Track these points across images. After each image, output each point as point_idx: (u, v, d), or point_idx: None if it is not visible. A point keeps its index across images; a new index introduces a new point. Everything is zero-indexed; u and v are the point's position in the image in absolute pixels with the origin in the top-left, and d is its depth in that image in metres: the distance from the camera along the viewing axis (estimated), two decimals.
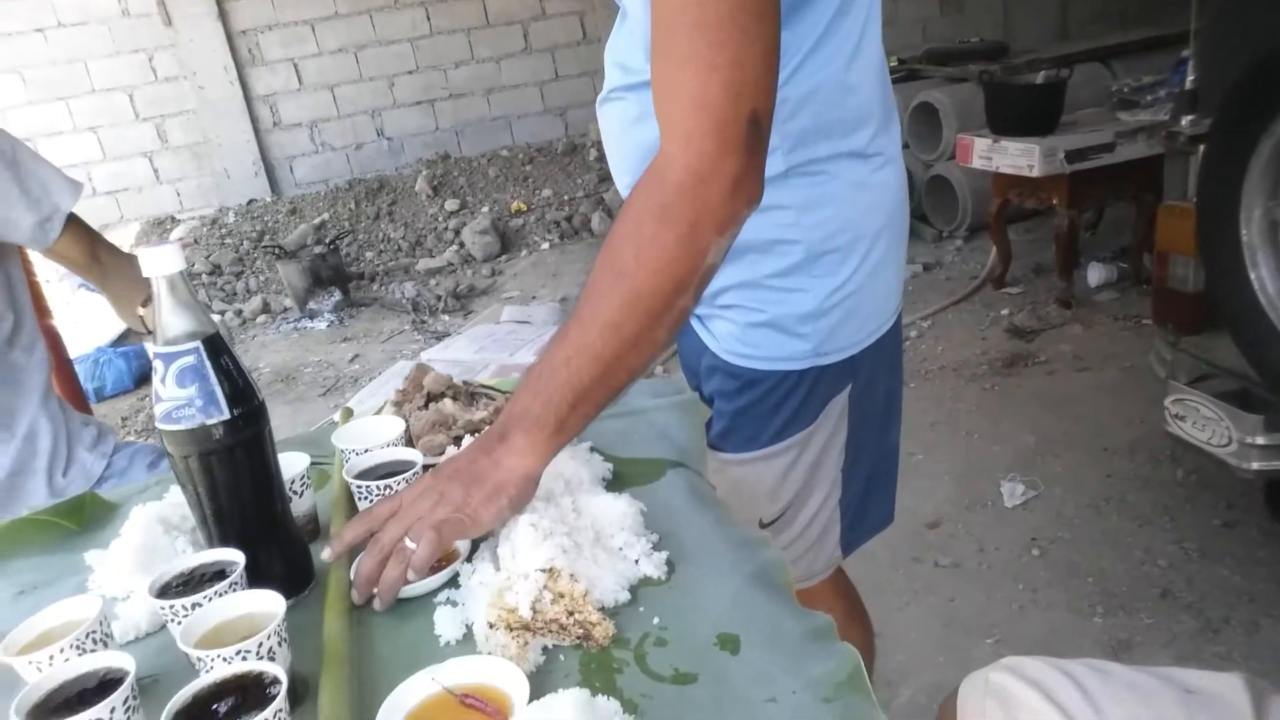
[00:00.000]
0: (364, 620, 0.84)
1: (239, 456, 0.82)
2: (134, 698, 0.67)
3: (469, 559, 0.88)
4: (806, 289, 1.08)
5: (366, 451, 1.04)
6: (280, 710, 0.64)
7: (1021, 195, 3.90)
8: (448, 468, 0.89)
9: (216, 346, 0.81)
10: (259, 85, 6.45)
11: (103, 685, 0.68)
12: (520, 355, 3.55)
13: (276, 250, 5.53)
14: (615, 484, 1.01)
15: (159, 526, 0.94)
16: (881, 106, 1.09)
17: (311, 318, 5.17)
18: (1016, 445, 2.90)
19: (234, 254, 5.80)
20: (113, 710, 0.65)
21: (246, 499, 0.84)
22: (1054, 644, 2.07)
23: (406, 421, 1.13)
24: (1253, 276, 1.91)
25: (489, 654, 0.75)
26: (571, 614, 0.77)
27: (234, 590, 0.78)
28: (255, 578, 0.81)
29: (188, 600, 0.76)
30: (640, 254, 0.83)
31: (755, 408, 1.16)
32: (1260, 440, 1.97)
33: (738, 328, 1.13)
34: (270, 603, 0.75)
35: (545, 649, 0.77)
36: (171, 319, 0.80)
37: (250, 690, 0.66)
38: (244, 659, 0.69)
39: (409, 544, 0.84)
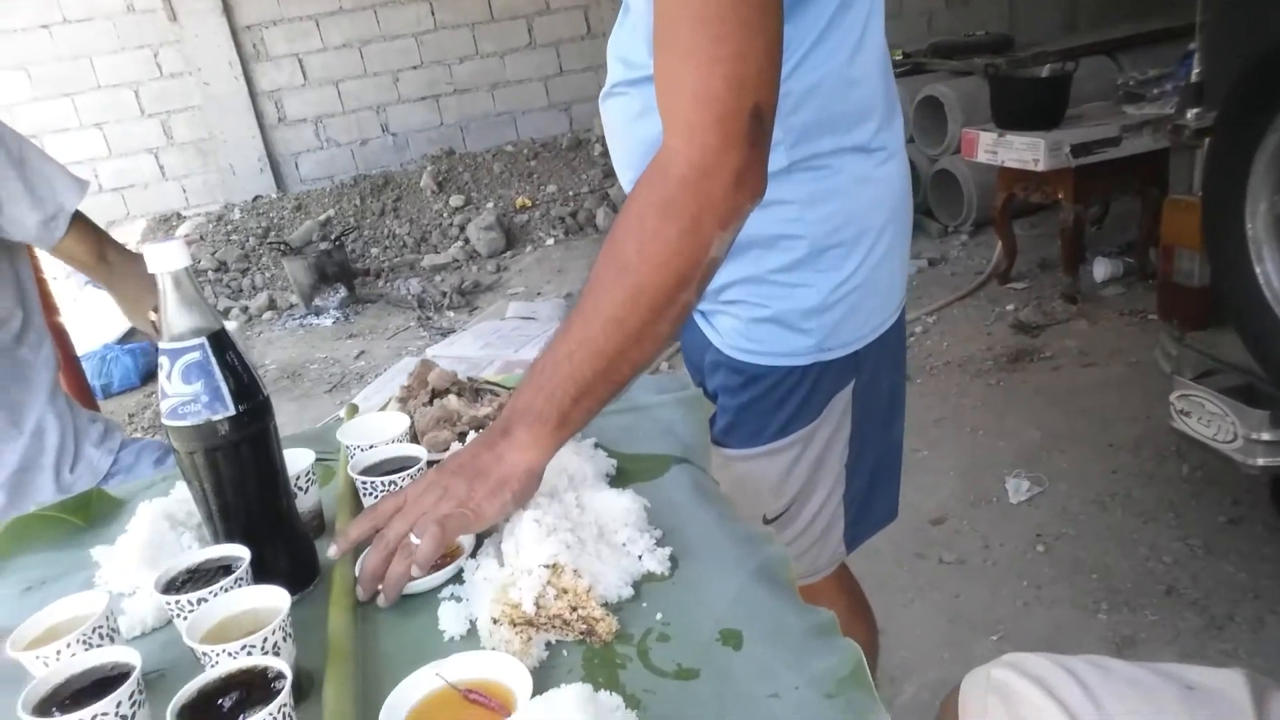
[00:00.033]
0: (368, 616, 0.84)
1: (244, 452, 0.83)
2: (140, 692, 0.68)
3: (473, 555, 0.88)
4: (810, 284, 1.08)
5: (371, 448, 1.05)
6: (285, 705, 0.64)
7: (1027, 190, 3.89)
8: (451, 463, 0.89)
9: (222, 342, 0.82)
10: (264, 81, 6.45)
11: (108, 680, 0.68)
12: (525, 351, 3.55)
13: (282, 247, 5.54)
14: (619, 480, 1.01)
15: (165, 522, 0.94)
16: (884, 100, 1.09)
17: (317, 314, 5.18)
18: (1022, 441, 2.90)
19: (240, 250, 5.81)
20: (118, 705, 0.65)
21: (251, 495, 0.85)
22: (1058, 640, 2.07)
23: (411, 417, 1.14)
24: (1258, 271, 1.90)
25: (493, 649, 0.75)
26: (575, 609, 0.78)
27: (239, 586, 0.78)
28: (260, 573, 0.81)
29: (193, 596, 0.76)
30: (643, 248, 0.83)
31: (759, 403, 1.16)
32: (1266, 436, 1.96)
33: (741, 323, 1.13)
34: (275, 598, 0.75)
35: (549, 644, 0.77)
36: (177, 315, 0.81)
37: (255, 685, 0.66)
38: (249, 654, 0.69)
39: (414, 540, 0.84)
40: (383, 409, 1.22)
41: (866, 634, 1.45)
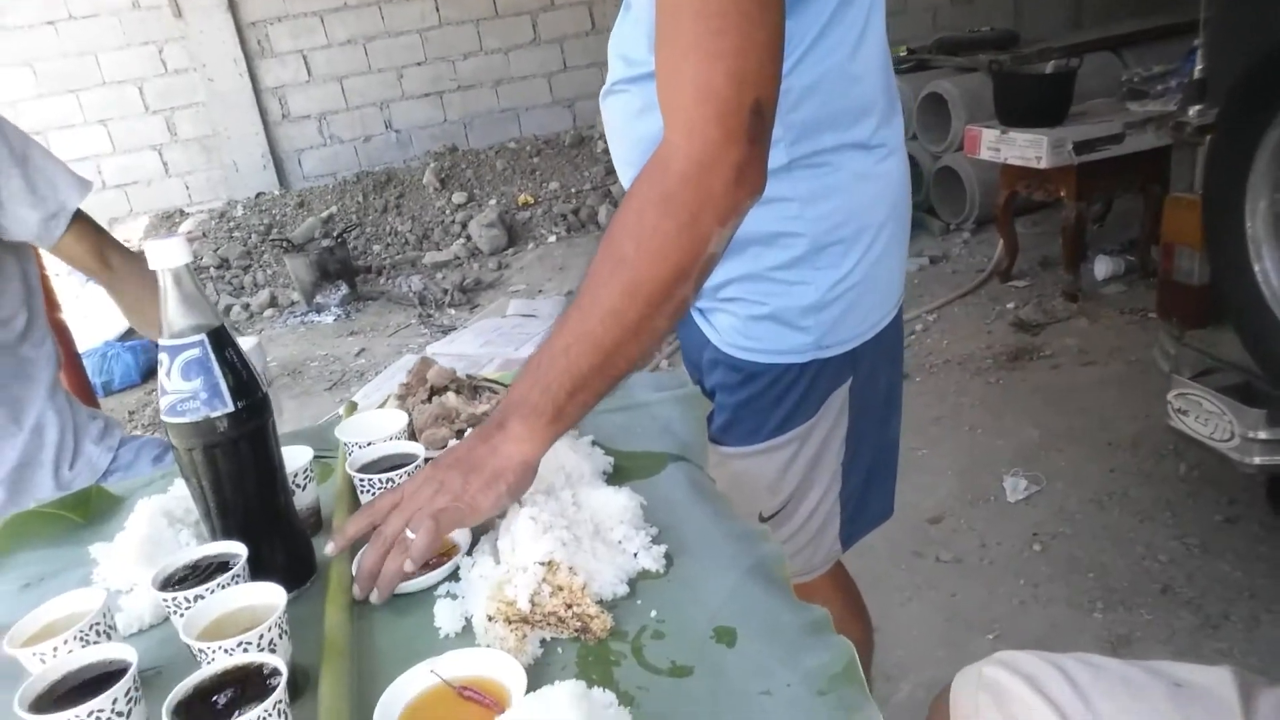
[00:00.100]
0: (364, 613, 0.85)
1: (243, 449, 0.83)
2: (135, 689, 0.68)
3: (469, 552, 0.88)
4: (809, 281, 1.09)
5: (370, 445, 1.05)
6: (280, 702, 0.64)
7: (1029, 187, 3.88)
8: (447, 457, 0.90)
9: (221, 339, 0.82)
10: (268, 77, 6.46)
11: (105, 677, 0.69)
12: (525, 349, 3.56)
13: (284, 244, 5.55)
14: (616, 477, 1.02)
15: (163, 519, 0.95)
16: (885, 97, 1.09)
17: (318, 311, 5.19)
18: (1020, 440, 2.90)
19: (242, 247, 5.82)
20: (114, 701, 0.66)
21: (250, 492, 0.85)
22: (1054, 639, 2.07)
23: (410, 415, 1.14)
24: (1257, 269, 1.90)
25: (488, 646, 0.75)
26: (570, 607, 0.78)
27: (236, 583, 0.79)
28: (257, 570, 0.82)
29: (190, 592, 0.77)
30: (642, 242, 0.83)
31: (757, 401, 1.16)
32: (1263, 435, 1.96)
33: (740, 320, 1.13)
34: (272, 595, 0.76)
35: (543, 641, 0.78)
36: (177, 312, 0.81)
37: (251, 681, 0.67)
38: (245, 650, 0.69)
39: (409, 535, 0.84)
40: (381, 406, 1.22)
41: (862, 632, 1.46)
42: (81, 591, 0.80)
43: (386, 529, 0.87)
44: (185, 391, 0.81)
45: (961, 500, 2.65)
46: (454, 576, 0.86)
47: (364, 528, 0.89)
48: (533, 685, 0.67)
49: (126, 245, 1.56)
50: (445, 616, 0.81)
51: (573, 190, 6.21)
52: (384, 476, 0.97)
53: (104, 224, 1.54)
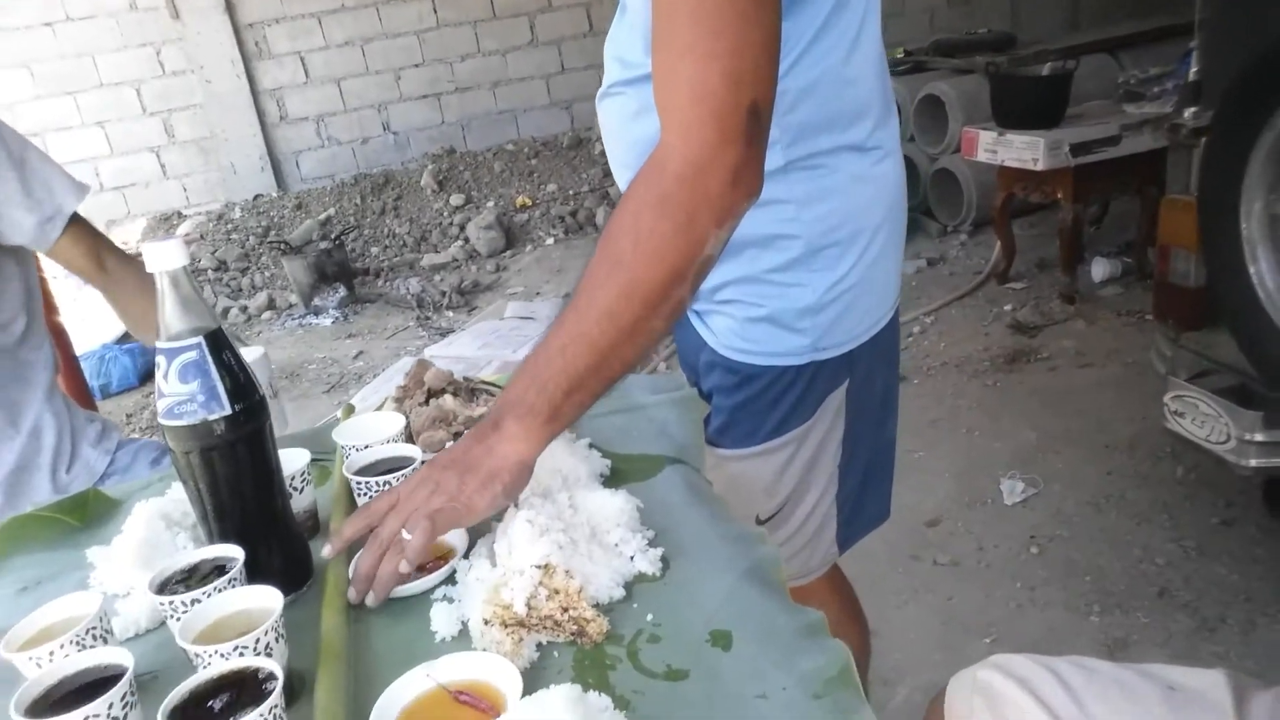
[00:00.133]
0: (361, 617, 0.85)
1: (240, 452, 0.83)
2: (132, 694, 0.68)
3: (466, 556, 0.88)
4: (805, 283, 1.09)
5: (367, 448, 1.05)
6: (275, 706, 0.65)
7: (1026, 189, 3.89)
8: (443, 458, 0.90)
9: (219, 342, 0.82)
10: (266, 79, 6.46)
11: (101, 682, 0.69)
12: (523, 352, 3.55)
13: (282, 246, 5.55)
14: (613, 480, 1.02)
15: (160, 522, 0.95)
16: (880, 99, 1.09)
17: (316, 314, 5.19)
18: (1017, 442, 2.90)
19: (240, 250, 5.82)
20: (110, 706, 0.66)
21: (247, 494, 0.85)
22: (1051, 643, 2.08)
23: (407, 417, 1.14)
24: (1252, 271, 1.90)
25: (484, 650, 0.75)
26: (566, 610, 0.78)
27: (233, 586, 0.79)
28: (254, 573, 0.82)
29: (187, 596, 0.77)
30: (638, 244, 0.83)
31: (753, 403, 1.17)
32: (1259, 437, 1.96)
33: (736, 323, 1.14)
34: (268, 599, 0.76)
35: (539, 645, 0.78)
36: (174, 315, 0.81)
37: (247, 686, 0.67)
38: (241, 655, 0.69)
39: (405, 536, 0.84)
40: (379, 409, 1.22)
41: (858, 636, 1.46)
42: (78, 595, 0.80)
43: (383, 531, 0.87)
44: (183, 394, 0.81)
45: (959, 503, 2.65)
46: (450, 580, 0.87)
47: (361, 530, 0.89)
48: (528, 689, 0.67)
49: (123, 248, 1.56)
50: (441, 620, 0.81)
51: (570, 192, 6.22)
52: (381, 479, 0.97)
53: (102, 226, 1.54)
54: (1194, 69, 2.32)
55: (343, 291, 5.25)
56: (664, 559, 0.87)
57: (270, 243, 5.76)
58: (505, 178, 6.42)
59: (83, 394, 2.18)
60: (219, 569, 0.81)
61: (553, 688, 0.66)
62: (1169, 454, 2.66)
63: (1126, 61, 4.78)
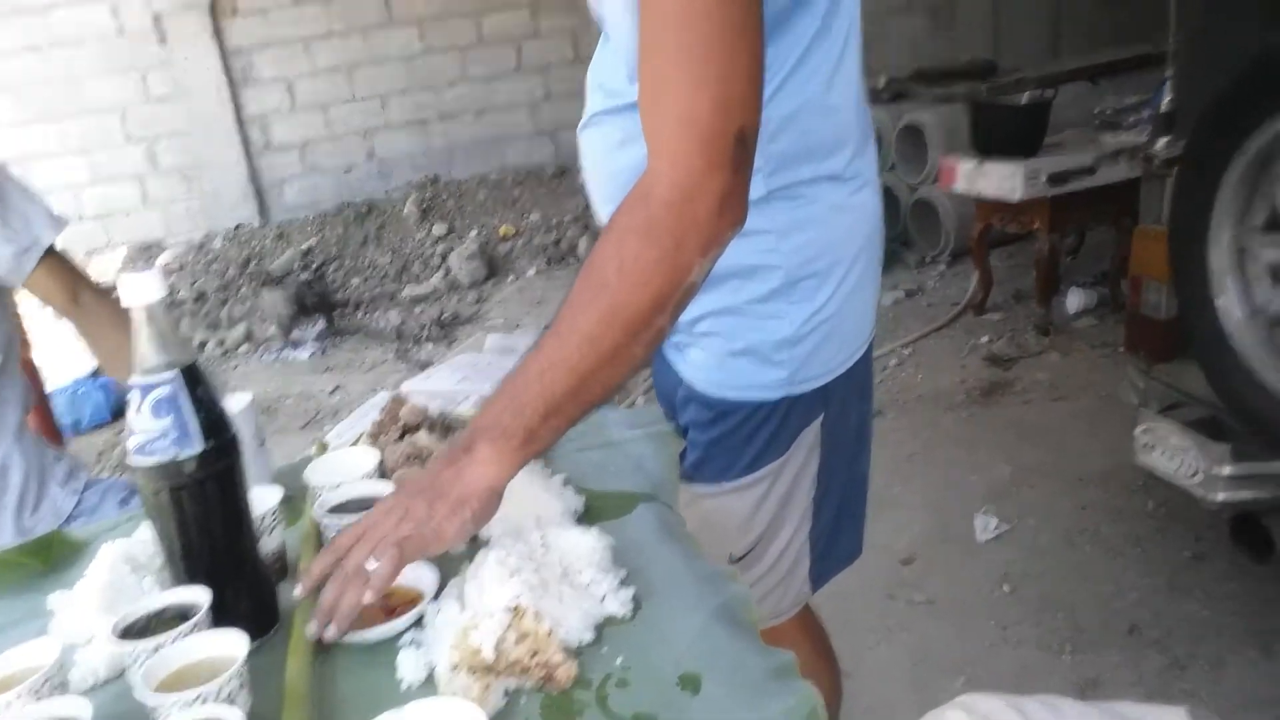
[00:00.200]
0: (326, 662, 0.84)
1: (210, 491, 0.83)
2: None
3: (435, 598, 0.88)
4: (784, 315, 1.09)
5: (339, 486, 1.05)
6: None
7: (1004, 220, 3.91)
8: (411, 484, 0.89)
9: (194, 376, 0.82)
10: (251, 105, 6.44)
11: None
12: None
13: (262, 277, 5.52)
14: (586, 517, 1.01)
15: (126, 565, 0.94)
16: (859, 128, 1.10)
17: (295, 347, 5.13)
18: (992, 476, 2.91)
19: (219, 280, 5.78)
20: None
21: (216, 535, 0.84)
22: (1024, 682, 2.07)
23: (382, 454, 1.14)
24: (1219, 303, 1.92)
25: (451, 696, 0.75)
26: (535, 654, 0.78)
27: (197, 631, 0.78)
28: (220, 617, 0.81)
29: (150, 643, 0.76)
30: (624, 270, 0.84)
31: (729, 438, 1.16)
32: (1226, 471, 1.96)
33: (715, 357, 1.14)
34: (233, 645, 0.75)
35: (507, 691, 0.77)
36: (149, 348, 0.81)
37: None
38: (203, 703, 0.69)
39: (370, 565, 0.82)
40: (353, 445, 1.22)
41: (830, 677, 1.45)
42: (36, 643, 0.78)
43: (348, 562, 0.85)
44: (154, 431, 0.80)
45: (934, 539, 2.65)
46: (418, 624, 0.86)
47: (329, 565, 0.87)
48: None
49: (102, 279, 1.55)
50: (408, 666, 0.80)
51: (554, 222, 6.23)
52: (353, 519, 0.96)
53: (81, 256, 1.54)
54: (1167, 99, 2.36)
55: (322, 324, 5.21)
56: (635, 599, 0.86)
57: (250, 274, 5.73)
58: (489, 207, 6.42)
59: (52, 431, 2.16)
60: (183, 615, 0.80)
61: None
62: (1141, 487, 2.67)
63: (1106, 89, 4.79)
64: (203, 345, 5.27)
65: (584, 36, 6.80)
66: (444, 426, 1.22)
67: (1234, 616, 2.17)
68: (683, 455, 1.21)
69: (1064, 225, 3.85)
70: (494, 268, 5.91)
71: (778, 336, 1.10)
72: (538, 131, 6.97)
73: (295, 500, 1.14)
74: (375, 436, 1.22)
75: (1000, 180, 3.66)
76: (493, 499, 0.87)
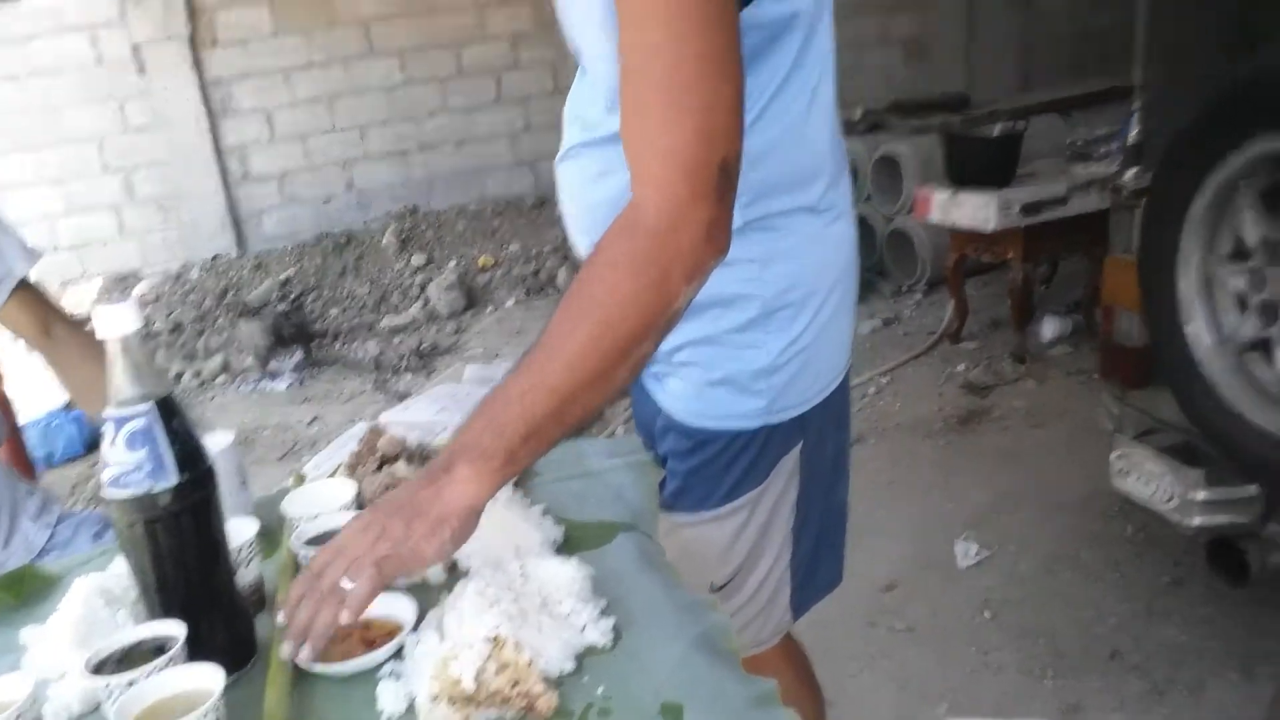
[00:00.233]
0: (306, 692, 0.83)
1: (185, 523, 0.82)
2: None
3: (414, 629, 0.87)
4: (761, 345, 1.10)
5: (317, 517, 1.04)
6: None
7: (978, 249, 3.96)
8: (387, 503, 0.88)
9: (169, 408, 0.82)
10: (230, 136, 6.42)
11: None
12: None
13: (239, 308, 5.49)
14: (566, 547, 1.01)
15: (100, 599, 0.92)
16: (833, 159, 1.11)
17: (272, 378, 5.09)
18: (971, 503, 2.92)
19: (196, 311, 5.74)
20: None
21: (191, 568, 0.84)
22: (1006, 708, 2.07)
23: (359, 485, 1.14)
24: (1188, 330, 1.95)
25: None
26: (515, 685, 0.77)
27: (172, 666, 0.77)
28: (197, 651, 0.80)
29: (124, 677, 0.75)
30: (610, 296, 0.85)
31: (708, 467, 1.17)
32: (1201, 495, 1.99)
33: (693, 386, 1.14)
34: (209, 679, 0.75)
35: None
36: (124, 380, 0.80)
37: None
38: None
39: (345, 584, 0.81)
40: (331, 477, 1.22)
41: (813, 706, 1.44)
42: (8, 678, 0.77)
43: (323, 582, 0.83)
44: (128, 464, 0.80)
45: (915, 566, 2.65)
46: (398, 655, 0.85)
47: (307, 588, 0.86)
48: None
49: (73, 315, 1.54)
50: (388, 697, 0.80)
51: (533, 252, 6.24)
52: None
53: (56, 287, 1.53)
54: (1135, 132, 2.41)
55: (300, 354, 5.17)
56: (615, 629, 0.86)
57: (228, 304, 5.70)
58: (468, 237, 6.43)
59: (24, 464, 2.12)
60: (158, 649, 0.79)
61: None
62: (1119, 513, 2.68)
63: (1077, 121, 4.87)
64: (179, 376, 5.22)
65: (563, 68, 6.84)
66: (422, 457, 1.22)
67: (1213, 640, 2.18)
68: (662, 484, 1.21)
69: (1037, 255, 3.90)
70: (473, 298, 5.91)
71: (755, 366, 1.10)
72: (517, 162, 7.00)
73: (272, 532, 1.13)
74: (353, 468, 1.22)
75: (974, 210, 3.71)
76: (471, 519, 0.87)
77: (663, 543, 1.09)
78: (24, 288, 1.43)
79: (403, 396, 4.53)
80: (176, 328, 5.63)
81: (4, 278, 1.41)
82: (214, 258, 6.38)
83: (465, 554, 0.98)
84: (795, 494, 1.21)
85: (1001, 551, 2.65)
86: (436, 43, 6.65)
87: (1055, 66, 7.07)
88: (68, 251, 6.27)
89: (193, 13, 6.15)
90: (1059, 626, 2.31)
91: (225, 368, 5.31)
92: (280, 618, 0.86)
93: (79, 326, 1.50)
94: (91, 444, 4.34)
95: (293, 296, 5.71)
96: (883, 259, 5.08)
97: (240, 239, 6.55)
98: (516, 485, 1.11)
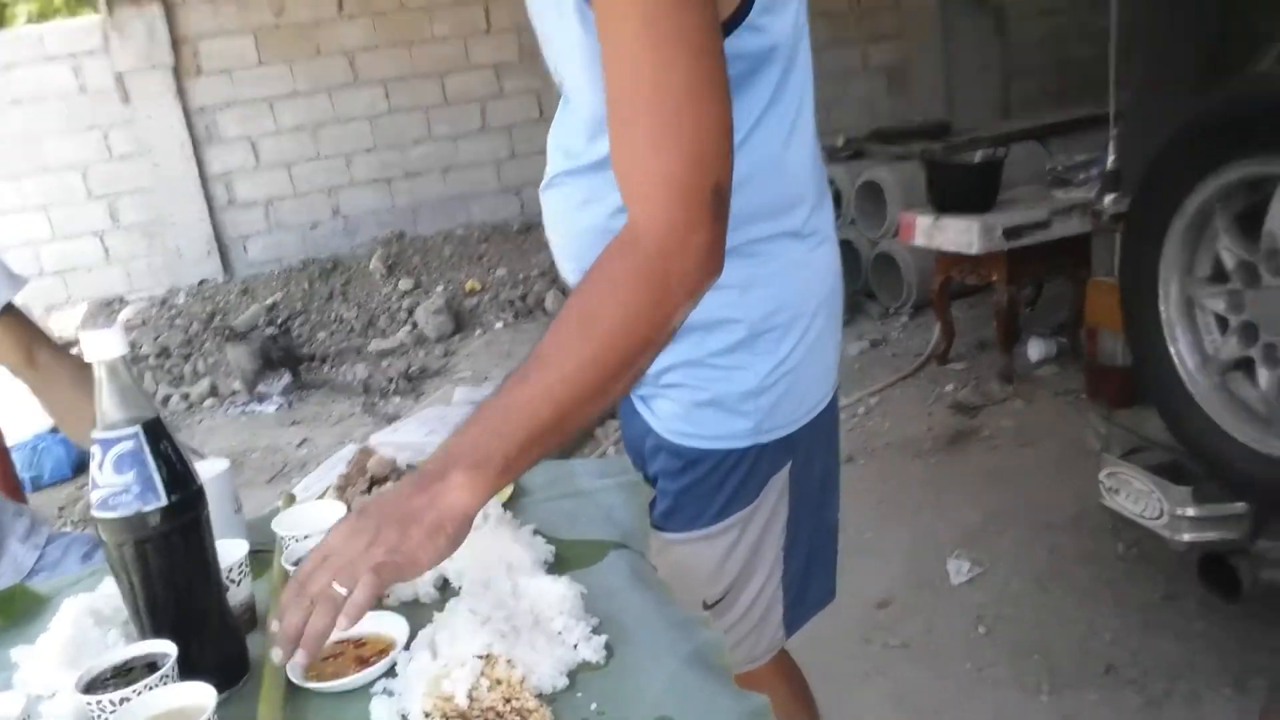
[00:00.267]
0: (299, 708, 0.83)
1: (175, 544, 0.82)
2: None
3: (406, 647, 0.87)
4: (747, 366, 1.11)
5: (307, 537, 1.04)
6: None
7: (963, 272, 4.00)
8: (377, 508, 0.86)
9: (156, 431, 0.82)
10: (215, 163, 6.44)
11: None
12: None
13: (226, 332, 5.48)
14: (557, 566, 1.01)
15: (89, 619, 0.92)
16: (815, 186, 1.13)
17: (260, 401, 5.09)
18: (963, 521, 2.93)
19: (183, 335, 5.73)
20: None
21: (181, 588, 0.84)
22: None
23: (349, 506, 1.13)
24: (1173, 351, 1.97)
25: None
26: (509, 701, 0.77)
27: (165, 684, 0.77)
28: (188, 669, 0.80)
29: (115, 695, 0.74)
30: (613, 312, 0.86)
31: (698, 487, 1.17)
32: (1190, 512, 2.00)
33: (681, 407, 1.15)
34: (201, 696, 0.74)
35: None
36: (111, 404, 0.81)
37: None
38: None
39: (338, 589, 0.80)
40: (321, 498, 1.21)
41: None
42: (0, 696, 0.77)
43: (312, 586, 0.82)
44: (117, 485, 0.80)
45: (908, 583, 2.66)
46: (391, 672, 0.85)
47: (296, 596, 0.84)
48: None
49: (58, 341, 1.52)
50: (381, 713, 0.79)
51: (520, 276, 6.25)
52: None
53: (40, 312, 1.52)
54: (1112, 158, 2.45)
55: (288, 378, 5.17)
56: (608, 646, 0.86)
57: (214, 329, 5.68)
58: (455, 262, 6.44)
59: (11, 486, 2.10)
60: (150, 666, 0.79)
61: None
62: (1110, 530, 2.70)
63: (1055, 148, 4.96)
64: (166, 400, 5.20)
65: (548, 96, 6.89)
66: None
67: (1208, 654, 2.19)
68: (652, 504, 1.21)
69: (1021, 277, 3.94)
70: (461, 322, 5.91)
71: (743, 388, 1.12)
72: (503, 189, 7.03)
73: (263, 553, 1.13)
74: (342, 489, 1.22)
75: (957, 234, 3.77)
76: (466, 525, 0.86)
77: (654, 561, 1.10)
78: (7, 313, 1.42)
79: (392, 419, 4.52)
80: (163, 352, 5.62)
81: None
82: (200, 283, 6.38)
83: (456, 573, 0.98)
84: (786, 513, 1.22)
85: (994, 569, 2.65)
86: (420, 72, 6.71)
87: (1035, 95, 7.19)
88: (52, 277, 6.25)
89: (176, 43, 6.18)
90: (1053, 642, 2.32)
91: (213, 391, 5.29)
92: (273, 626, 0.84)
93: (63, 352, 1.48)
94: (79, 466, 4.32)
95: (280, 321, 5.71)
96: (868, 282, 5.12)
97: (226, 264, 6.54)
98: (506, 505, 1.12)
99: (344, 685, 0.84)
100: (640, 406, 1.21)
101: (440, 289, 6.13)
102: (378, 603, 0.86)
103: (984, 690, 2.20)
